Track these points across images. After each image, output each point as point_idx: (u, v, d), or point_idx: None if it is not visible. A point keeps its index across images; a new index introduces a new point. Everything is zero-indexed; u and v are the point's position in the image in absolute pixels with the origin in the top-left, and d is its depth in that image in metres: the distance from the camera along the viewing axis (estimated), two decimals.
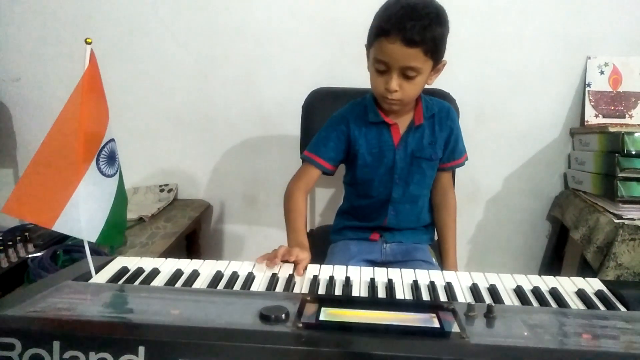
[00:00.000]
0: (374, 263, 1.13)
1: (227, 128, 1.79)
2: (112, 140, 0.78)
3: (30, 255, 1.15)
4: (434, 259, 1.13)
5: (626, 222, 1.33)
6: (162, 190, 1.85)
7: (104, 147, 0.76)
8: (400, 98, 0.99)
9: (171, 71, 1.73)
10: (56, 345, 0.57)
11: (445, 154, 1.13)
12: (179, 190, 1.88)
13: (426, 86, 1.05)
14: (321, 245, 1.31)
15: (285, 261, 0.89)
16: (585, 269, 1.46)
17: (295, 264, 0.87)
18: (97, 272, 0.82)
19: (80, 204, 0.74)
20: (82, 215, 0.75)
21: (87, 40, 0.70)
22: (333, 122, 1.13)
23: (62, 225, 0.74)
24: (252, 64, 1.71)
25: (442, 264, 1.16)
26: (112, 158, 0.78)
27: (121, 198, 0.83)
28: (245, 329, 0.58)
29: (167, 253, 1.43)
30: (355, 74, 1.65)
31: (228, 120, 1.78)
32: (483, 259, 1.87)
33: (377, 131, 1.09)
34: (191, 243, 1.83)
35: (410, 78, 0.96)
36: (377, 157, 1.10)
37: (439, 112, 1.11)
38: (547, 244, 1.80)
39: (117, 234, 0.85)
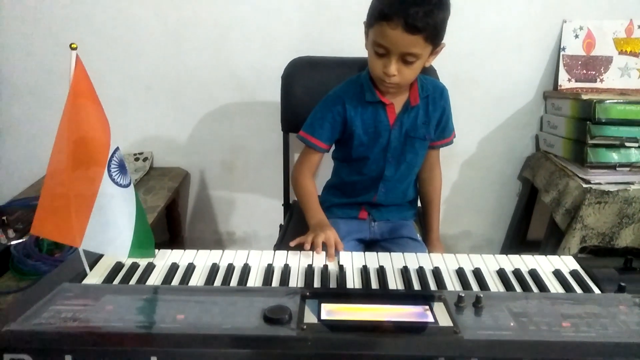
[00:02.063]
0: (363, 241, 1.17)
1: (200, 94, 1.74)
2: (118, 148, 0.76)
3: (13, 242, 1.13)
4: (418, 235, 1.18)
5: (593, 186, 1.40)
6: (137, 159, 1.82)
7: (112, 156, 0.74)
8: (398, 82, 0.99)
9: (139, 34, 1.65)
10: (68, 358, 0.58)
11: (436, 133, 1.15)
12: (155, 159, 1.84)
13: None
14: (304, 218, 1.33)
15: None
16: (554, 229, 1.56)
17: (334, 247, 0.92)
18: (90, 268, 0.82)
19: (102, 220, 0.73)
20: (107, 231, 0.74)
21: (72, 45, 0.66)
22: (329, 102, 1.11)
23: (90, 243, 0.74)
24: (224, 27, 1.64)
25: (426, 238, 1.22)
26: (122, 167, 0.76)
27: (140, 208, 0.82)
28: (251, 335, 0.61)
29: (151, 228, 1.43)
30: (335, 40, 1.62)
31: (201, 85, 1.73)
32: (456, 217, 1.95)
33: (373, 110, 1.09)
34: (170, 212, 1.83)
35: (410, 63, 0.96)
36: (372, 136, 1.10)
37: (433, 92, 1.11)
38: (517, 203, 1.89)
39: (147, 246, 0.85)
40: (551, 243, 1.55)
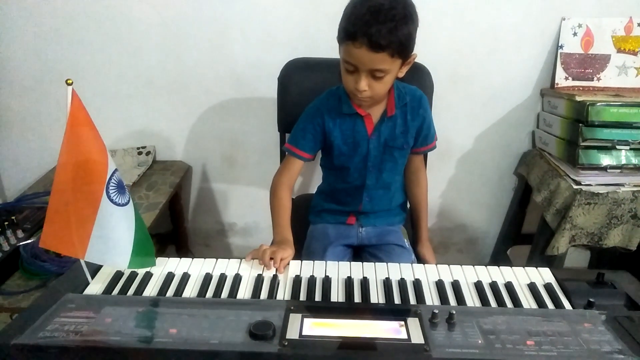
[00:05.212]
0: (350, 246, 1.22)
1: (201, 90, 1.77)
2: (116, 169, 0.81)
3: (21, 243, 1.19)
4: (405, 240, 1.22)
5: (584, 188, 1.43)
6: (140, 153, 1.86)
7: (110, 177, 0.79)
8: (369, 96, 1.01)
9: (140, 31, 1.66)
10: None
11: (417, 141, 1.17)
12: (157, 152, 1.89)
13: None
14: (301, 215, 1.38)
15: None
16: (544, 227, 1.59)
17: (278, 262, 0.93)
18: (92, 276, 0.88)
19: (102, 234, 0.80)
20: (108, 245, 0.82)
21: (68, 81, 0.70)
22: (309, 115, 1.15)
23: (92, 256, 0.81)
24: (223, 24, 1.65)
25: (415, 239, 1.26)
26: (121, 187, 0.82)
27: (140, 222, 0.88)
28: (236, 351, 0.67)
29: (154, 224, 1.49)
30: (333, 38, 1.63)
31: (201, 81, 1.75)
32: (453, 210, 1.99)
33: (351, 122, 1.12)
34: (173, 204, 1.89)
35: (379, 78, 0.97)
36: (351, 147, 1.13)
37: (411, 101, 1.13)
38: (513, 198, 1.92)
39: (146, 257, 0.91)
40: (542, 241, 1.58)
